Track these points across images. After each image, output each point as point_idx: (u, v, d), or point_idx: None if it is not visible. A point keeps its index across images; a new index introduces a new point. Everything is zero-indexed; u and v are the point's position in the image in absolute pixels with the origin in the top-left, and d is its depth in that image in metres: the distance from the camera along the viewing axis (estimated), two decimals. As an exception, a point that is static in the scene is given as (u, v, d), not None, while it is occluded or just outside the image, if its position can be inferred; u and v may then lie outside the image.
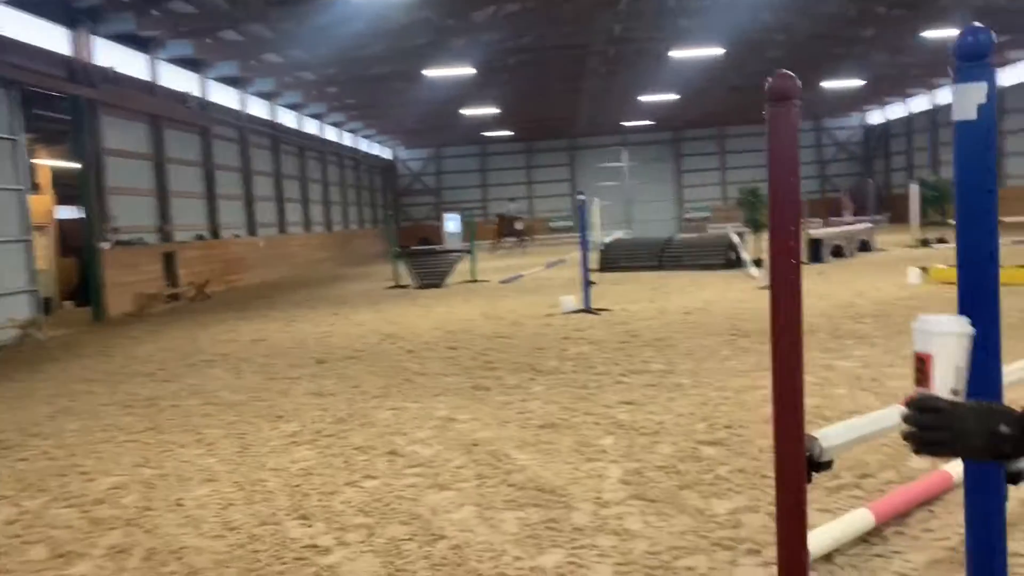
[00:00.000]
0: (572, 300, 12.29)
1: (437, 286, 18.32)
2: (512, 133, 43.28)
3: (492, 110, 32.71)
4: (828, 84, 31.73)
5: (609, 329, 10.25)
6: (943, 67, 31.62)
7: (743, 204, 18.95)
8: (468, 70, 23.26)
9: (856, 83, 32.08)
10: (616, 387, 6.87)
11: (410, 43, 22.56)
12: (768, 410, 5.81)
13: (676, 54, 22.98)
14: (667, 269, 18.98)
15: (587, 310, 11.94)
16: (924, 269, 13.34)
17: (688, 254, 19.23)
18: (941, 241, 21.62)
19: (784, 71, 2.52)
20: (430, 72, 23.21)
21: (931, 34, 23.00)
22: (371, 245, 38.81)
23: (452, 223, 46.19)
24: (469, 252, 20.08)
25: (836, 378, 6.69)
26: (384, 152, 45.77)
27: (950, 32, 22.40)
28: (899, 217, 35.23)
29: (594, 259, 20.73)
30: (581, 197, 12.21)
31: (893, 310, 10.37)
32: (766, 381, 6.63)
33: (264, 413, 6.72)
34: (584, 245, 12.48)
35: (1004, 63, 31.95)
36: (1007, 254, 16.01)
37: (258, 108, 27.09)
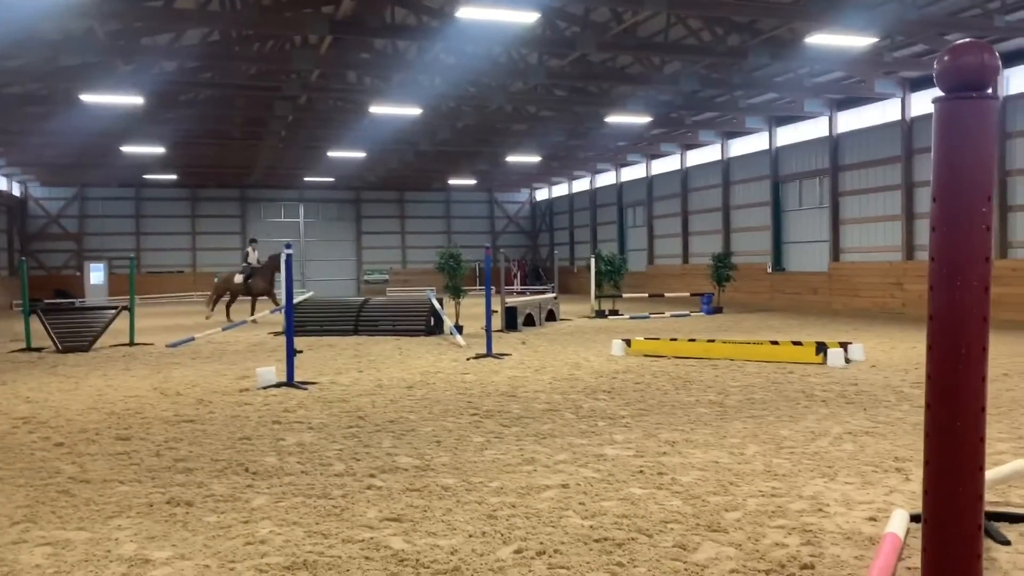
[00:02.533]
0: (271, 372, 10.42)
1: (84, 349, 15.11)
2: (176, 177, 39.25)
3: (157, 149, 29.13)
4: (510, 158, 33.02)
5: (327, 409, 8.62)
6: (610, 152, 34.60)
7: (443, 269, 18.28)
8: (135, 99, 20.21)
9: (533, 159, 33.79)
10: (369, 495, 5.35)
11: (64, 61, 19.07)
12: (577, 520, 4.75)
13: (375, 110, 22.08)
14: (364, 334, 17.62)
15: (291, 384, 10.16)
16: (627, 341, 13.51)
17: (386, 319, 18.05)
18: (614, 313, 22.86)
19: (976, 41, 1.45)
20: (89, 97, 19.76)
21: (611, 119, 24.68)
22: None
23: (97, 273, 40.60)
24: (127, 308, 16.97)
25: (619, 472, 5.83)
26: (12, 187, 38.86)
27: (628, 119, 24.24)
28: (563, 288, 37.53)
29: (280, 322, 18.74)
30: (289, 250, 10.49)
31: (619, 385, 10.04)
32: (544, 478, 5.57)
33: None
34: (289, 305, 10.72)
35: (692, 145, 35.66)
36: (663, 328, 17.01)
37: None
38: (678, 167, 34.25)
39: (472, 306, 23.80)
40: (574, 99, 23.83)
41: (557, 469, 5.93)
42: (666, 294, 26.78)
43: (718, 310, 23.98)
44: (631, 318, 22.02)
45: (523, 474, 5.80)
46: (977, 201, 1.33)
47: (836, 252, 25.55)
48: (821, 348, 11.84)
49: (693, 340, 13.48)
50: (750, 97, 25.06)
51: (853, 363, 11.72)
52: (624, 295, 25.22)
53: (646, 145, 33.09)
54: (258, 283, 22.96)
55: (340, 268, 46.02)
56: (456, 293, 17.98)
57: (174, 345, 15.80)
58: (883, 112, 23.61)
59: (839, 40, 16.04)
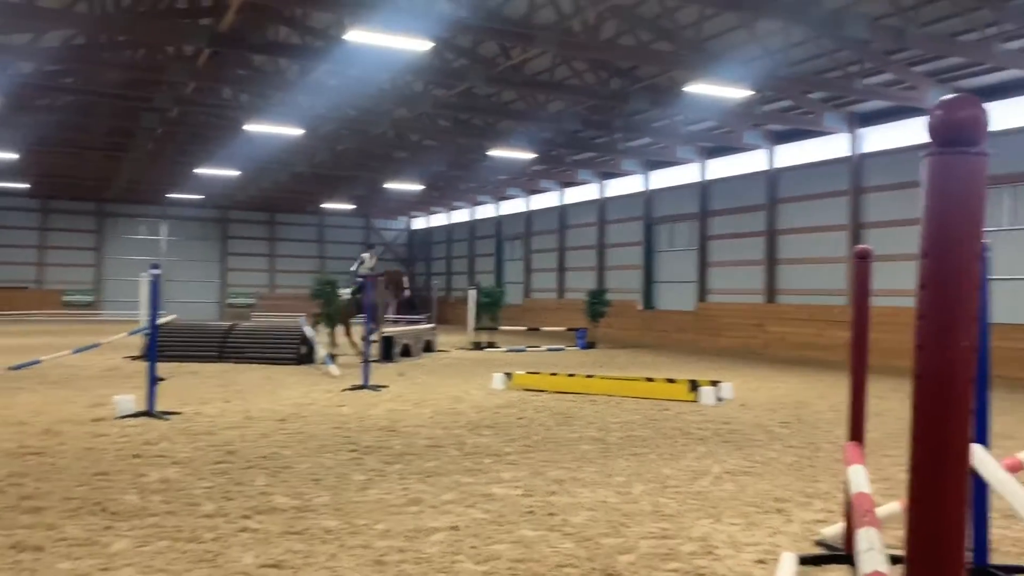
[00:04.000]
0: (130, 400, 9.69)
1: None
2: (28, 187, 36.61)
3: (8, 155, 27.06)
4: (390, 185, 32.69)
5: (193, 442, 8.05)
6: (491, 185, 34.84)
7: (318, 295, 17.71)
8: (-14, 100, 18.73)
9: (414, 187, 33.59)
10: (244, 538, 4.96)
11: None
12: (470, 566, 4.55)
13: (251, 128, 21.33)
14: (230, 361, 16.79)
15: (152, 414, 9.47)
16: (508, 375, 13.45)
17: (255, 346, 17.27)
18: (491, 345, 22.84)
19: (970, 96, 1.42)
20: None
21: (494, 153, 24.86)
22: None
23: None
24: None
25: (509, 512, 5.68)
26: None
27: (510, 154, 24.47)
28: (440, 319, 37.28)
29: (137, 346, 17.63)
30: (156, 271, 9.83)
31: (502, 420, 9.93)
32: (432, 519, 5.35)
33: None
34: (154, 328, 10.02)
35: (569, 183, 36.24)
36: (539, 361, 17.14)
37: None
38: (557, 203, 34.90)
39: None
40: (458, 130, 23.89)
41: (445, 510, 5.72)
42: (542, 328, 27.04)
43: (592, 345, 24.40)
44: (508, 351, 22.05)
45: (409, 515, 5.56)
46: (968, 259, 1.29)
47: (703, 293, 26.58)
48: (694, 386, 12.15)
49: (572, 375, 13.58)
50: (628, 140, 25.90)
51: (724, 401, 12.09)
52: (501, 328, 25.29)
53: (526, 180, 33.57)
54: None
55: (203, 290, 44.08)
56: (331, 321, 17.46)
57: (16, 368, 14.53)
58: (750, 162, 24.89)
59: (714, 91, 16.79)
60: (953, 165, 1.32)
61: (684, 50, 16.05)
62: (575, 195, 33.83)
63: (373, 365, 13.85)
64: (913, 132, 19.79)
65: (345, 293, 18.74)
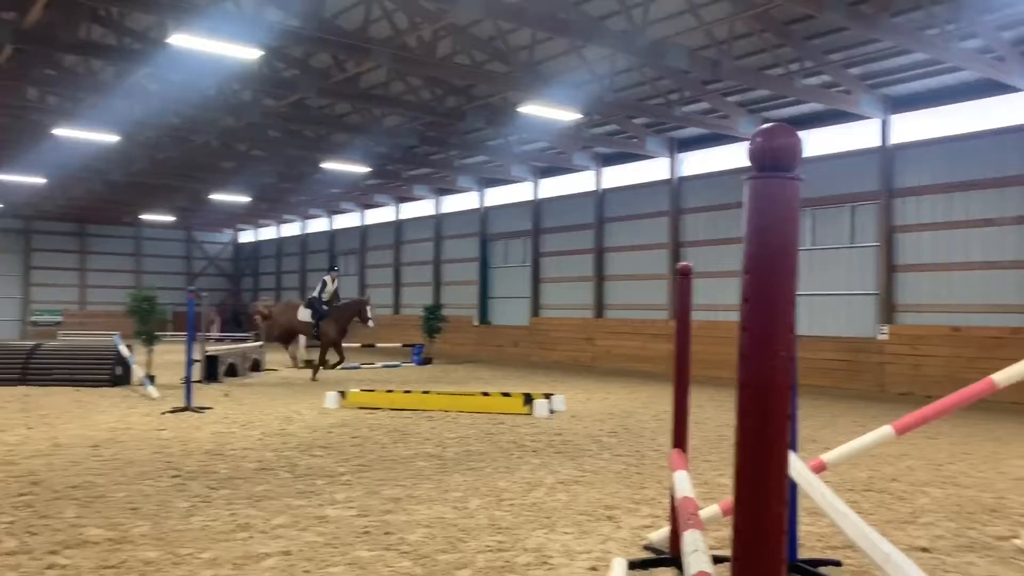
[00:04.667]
0: (-88, 429, 8.67)
1: None
2: None
3: None
4: (215, 196, 31.27)
5: (-11, 474, 7.31)
6: (324, 199, 34.05)
7: (135, 312, 16.59)
8: None
9: (241, 199, 32.30)
10: (51, 575, 4.55)
11: None
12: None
13: (60, 132, 19.77)
14: (34, 384, 15.40)
15: (-61, 444, 8.52)
16: (342, 393, 13.16)
17: (63, 366, 15.94)
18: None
19: (785, 125, 1.53)
20: None
21: (327, 166, 24.36)
22: None
23: None
24: None
25: (344, 534, 5.54)
26: None
27: (344, 167, 24.07)
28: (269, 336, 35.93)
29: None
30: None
31: (336, 439, 9.70)
32: (263, 545, 5.15)
33: None
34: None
35: (373, 205, 35.83)
36: (375, 378, 16.97)
37: None
38: (392, 219, 34.66)
39: (166, 353, 21.96)
40: (289, 141, 23.23)
41: (276, 534, 5.50)
42: (377, 344, 26.71)
43: (428, 361, 24.34)
44: (342, 368, 21.58)
45: (238, 542, 5.30)
46: (786, 275, 1.40)
47: (536, 308, 27.21)
48: (528, 399, 12.40)
49: (408, 391, 13.48)
50: (464, 158, 26.17)
51: (556, 413, 12.41)
52: (334, 345, 24.66)
53: (360, 194, 33.13)
54: (330, 328, 18.08)
55: (1, 307, 40.25)
56: (149, 339, 16.41)
57: None
58: (580, 182, 25.81)
59: (546, 112, 17.30)
60: (772, 188, 1.43)
61: (517, 72, 16.43)
62: (411, 210, 33.74)
63: (196, 386, 13.15)
64: (727, 158, 21.25)
65: (304, 316, 18.23)
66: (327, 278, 18.35)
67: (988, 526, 6.06)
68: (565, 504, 6.53)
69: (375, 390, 13.71)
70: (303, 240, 41.29)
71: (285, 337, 19.33)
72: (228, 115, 20.19)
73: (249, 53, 13.50)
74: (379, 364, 23.10)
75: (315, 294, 18.21)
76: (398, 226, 34.34)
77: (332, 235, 38.97)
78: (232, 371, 18.31)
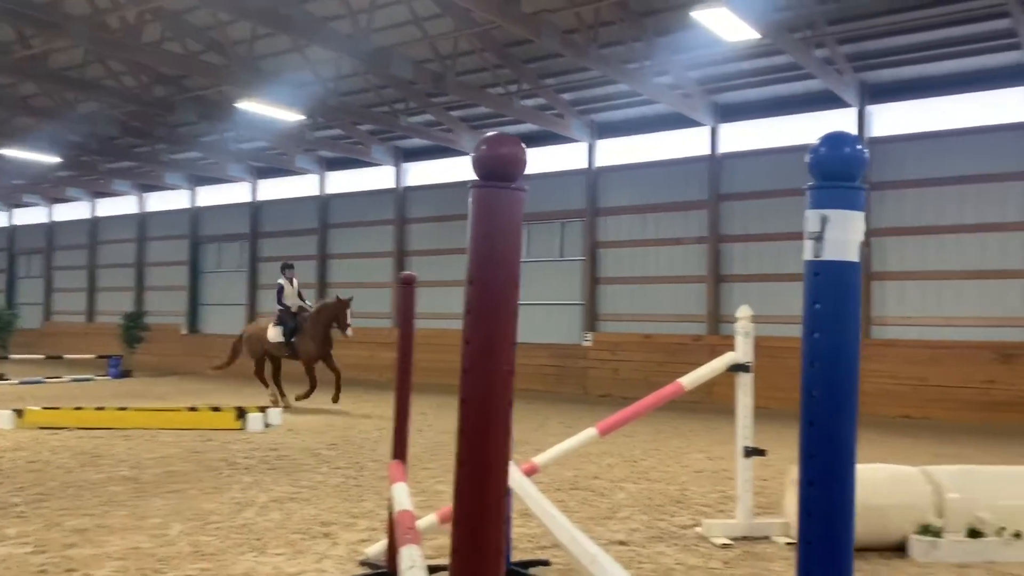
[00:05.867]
0: None
1: None
2: None
3: None
4: None
5: None
6: (3, 190, 29.85)
7: None
8: None
9: None
10: None
11: None
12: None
13: None
14: None
15: None
16: (18, 412, 11.53)
17: None
18: (2, 378, 19.51)
19: (511, 135, 1.47)
20: None
21: (6, 152, 21.41)
22: None
23: None
24: None
25: (16, 574, 4.80)
26: None
27: (28, 155, 21.38)
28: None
29: None
30: None
31: (8, 466, 8.45)
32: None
33: None
34: None
35: (59, 200, 32.15)
36: (63, 394, 15.29)
37: None
38: (87, 216, 31.27)
39: None
40: (-43, 122, 20.13)
41: (-79, 584, 4.62)
42: (66, 356, 23.88)
43: (127, 374, 22.21)
44: (21, 383, 19.00)
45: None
46: (509, 286, 1.36)
47: (254, 316, 25.94)
48: (241, 414, 11.73)
49: (102, 408, 12.15)
50: (173, 152, 24.30)
51: (272, 427, 11.85)
52: (12, 356, 21.74)
53: (49, 187, 29.51)
54: (307, 344, 14.16)
55: None
56: None
57: None
58: (303, 186, 25.05)
59: (266, 111, 16.58)
60: (495, 198, 1.39)
61: (236, 66, 15.56)
62: (110, 207, 30.66)
63: None
64: (451, 170, 21.77)
65: (275, 335, 14.44)
66: (283, 280, 14.63)
67: (675, 516, 6.68)
68: (278, 523, 6.19)
69: (60, 407, 12.20)
70: (11, 232, 35.96)
71: (261, 368, 15.27)
72: None
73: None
74: (68, 378, 20.66)
75: (278, 304, 14.49)
76: (94, 224, 31.06)
77: (12, 231, 34.36)
78: None
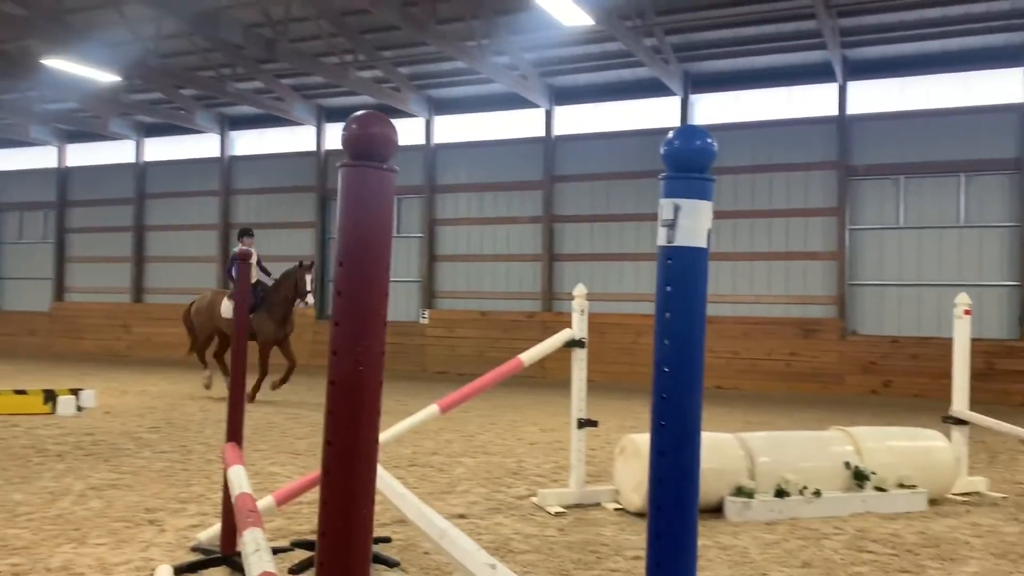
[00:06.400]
0: None
1: None
2: None
3: None
4: None
5: None
6: None
7: None
8: None
9: None
10: None
11: None
12: None
13: None
14: None
15: None
16: None
17: None
18: None
19: (381, 114, 1.45)
20: None
21: None
22: None
23: None
24: None
25: None
26: None
27: None
28: None
29: None
30: None
31: None
32: None
33: None
34: None
35: None
36: None
37: None
38: None
39: None
40: None
41: None
42: None
43: (-90, 355, 19.97)
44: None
45: None
46: (380, 267, 1.35)
47: (61, 291, 24.01)
48: (50, 396, 10.87)
49: None
50: (-36, 110, 21.89)
51: (86, 411, 11.08)
52: None
53: None
54: (265, 323, 12.02)
55: None
56: None
57: None
58: (118, 152, 23.33)
59: (76, 70, 15.29)
60: (365, 177, 1.37)
61: (39, 18, 14.20)
62: None
63: None
64: (282, 140, 20.98)
65: (229, 310, 11.87)
66: (238, 248, 10.66)
67: (512, 488, 6.87)
68: (99, 512, 5.82)
69: None
70: None
71: (206, 346, 13.24)
72: None
73: None
74: None
75: (230, 276, 12.38)
76: None
77: None
78: None
